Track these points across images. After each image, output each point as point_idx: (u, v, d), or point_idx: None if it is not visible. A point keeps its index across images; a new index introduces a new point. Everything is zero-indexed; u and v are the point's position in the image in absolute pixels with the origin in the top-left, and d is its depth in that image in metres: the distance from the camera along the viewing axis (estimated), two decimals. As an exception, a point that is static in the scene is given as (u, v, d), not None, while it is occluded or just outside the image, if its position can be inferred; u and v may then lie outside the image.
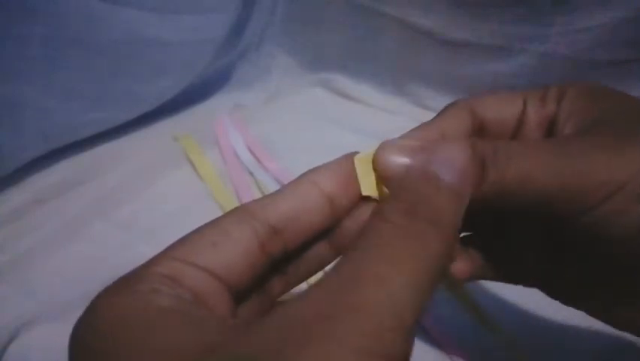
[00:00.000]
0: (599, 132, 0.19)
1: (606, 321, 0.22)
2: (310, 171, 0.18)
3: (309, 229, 0.18)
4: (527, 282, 0.24)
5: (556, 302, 0.23)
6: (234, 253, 0.16)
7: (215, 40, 0.47)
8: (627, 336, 0.28)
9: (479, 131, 0.23)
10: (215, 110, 0.51)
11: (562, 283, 0.23)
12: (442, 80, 0.50)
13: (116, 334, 0.14)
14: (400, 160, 0.18)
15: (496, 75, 0.47)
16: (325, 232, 0.19)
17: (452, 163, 0.16)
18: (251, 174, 0.44)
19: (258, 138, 0.47)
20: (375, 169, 0.19)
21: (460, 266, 0.22)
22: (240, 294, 0.17)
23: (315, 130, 0.49)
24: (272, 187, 0.42)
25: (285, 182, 0.42)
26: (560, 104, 0.21)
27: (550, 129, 0.22)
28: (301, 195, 0.18)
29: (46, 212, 0.40)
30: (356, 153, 0.19)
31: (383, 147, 0.19)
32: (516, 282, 0.24)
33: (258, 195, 0.42)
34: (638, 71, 0.42)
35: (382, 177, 0.18)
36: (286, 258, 0.18)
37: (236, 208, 0.17)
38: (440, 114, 0.22)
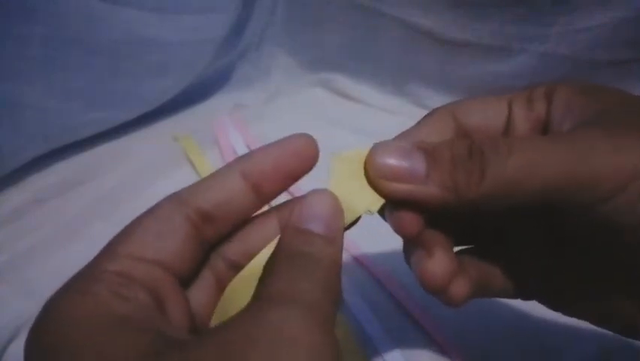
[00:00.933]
0: (603, 123, 0.18)
1: (606, 325, 0.22)
2: (239, 158, 0.19)
3: (236, 216, 0.18)
4: (526, 294, 0.23)
5: (547, 309, 0.23)
6: (177, 241, 0.17)
7: (215, 40, 0.47)
8: (616, 336, 0.28)
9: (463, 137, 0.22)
10: (215, 110, 0.51)
11: (562, 288, 0.22)
12: (442, 80, 0.50)
13: (68, 340, 0.14)
14: (395, 161, 0.18)
15: (496, 75, 0.47)
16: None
17: (320, 216, 0.18)
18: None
19: (258, 138, 0.47)
20: (367, 170, 0.19)
21: (457, 288, 0.21)
22: (186, 279, 0.18)
23: (315, 130, 0.49)
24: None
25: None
26: (550, 104, 0.21)
27: (543, 130, 0.21)
28: (229, 183, 0.18)
29: (46, 212, 0.40)
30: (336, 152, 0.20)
31: (378, 148, 0.19)
32: (515, 296, 0.24)
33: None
34: (638, 71, 0.41)
35: (374, 177, 0.19)
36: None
37: (168, 196, 0.18)
38: (422, 121, 0.22)
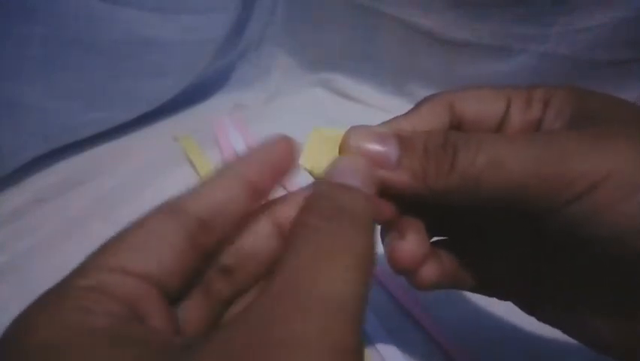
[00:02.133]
0: (581, 125, 0.18)
1: (577, 338, 0.21)
2: (232, 162, 0.18)
3: (235, 220, 0.18)
4: (503, 294, 0.23)
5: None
6: (163, 251, 0.15)
7: (215, 40, 0.47)
8: None
9: (457, 128, 0.22)
10: (215, 110, 0.51)
11: (536, 292, 0.22)
12: (442, 80, 0.50)
13: None
14: (368, 145, 0.19)
15: (496, 75, 0.47)
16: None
17: (357, 170, 0.18)
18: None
19: (258, 138, 0.47)
20: (341, 151, 0.19)
21: (427, 271, 0.21)
22: (177, 293, 0.17)
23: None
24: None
25: (285, 182, 0.42)
26: (546, 109, 0.20)
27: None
28: (225, 187, 0.17)
29: (46, 212, 0.40)
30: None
31: (354, 131, 0.19)
32: (491, 294, 0.23)
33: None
34: (638, 71, 0.41)
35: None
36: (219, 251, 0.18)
37: (160, 204, 0.17)
38: (417, 107, 0.22)
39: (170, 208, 0.16)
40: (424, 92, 0.52)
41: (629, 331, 0.19)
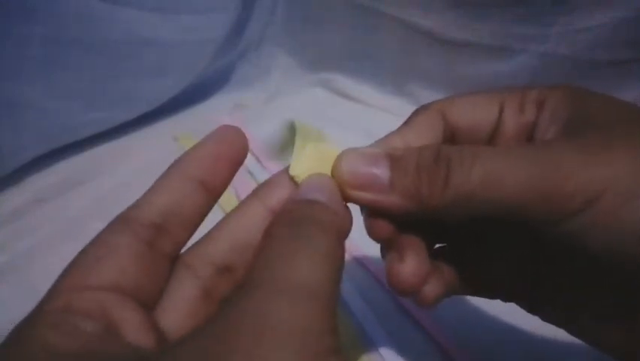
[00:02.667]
0: (578, 134, 0.17)
1: (586, 339, 0.21)
2: (176, 162, 0.19)
3: (191, 219, 0.18)
4: (504, 296, 0.23)
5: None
6: (122, 261, 0.16)
7: (215, 40, 0.47)
8: None
9: (451, 137, 0.21)
10: (215, 110, 0.51)
11: (542, 292, 0.22)
12: (442, 80, 0.50)
13: None
14: (360, 169, 0.19)
15: (496, 75, 0.47)
16: None
17: (322, 188, 0.18)
18: (251, 174, 0.44)
19: (258, 137, 0.47)
20: (334, 175, 0.19)
21: (430, 289, 0.21)
22: (152, 298, 0.17)
23: (315, 130, 0.49)
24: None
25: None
26: (540, 111, 0.20)
27: (529, 138, 0.20)
28: (174, 188, 0.18)
29: (46, 212, 0.40)
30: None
31: (345, 154, 0.19)
32: (494, 296, 0.23)
33: (252, 184, 0.41)
34: (638, 71, 0.41)
35: (340, 184, 0.19)
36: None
37: (114, 218, 0.17)
38: (410, 120, 0.22)
39: (122, 220, 0.17)
40: (424, 92, 0.53)
41: (630, 332, 0.19)
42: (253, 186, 0.43)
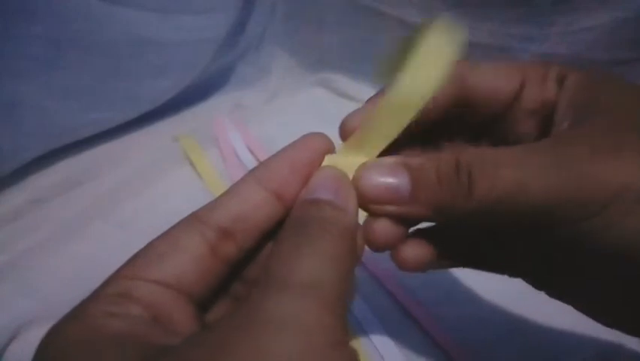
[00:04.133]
0: (596, 129, 0.17)
1: (594, 316, 0.21)
2: (254, 169, 0.19)
3: (259, 227, 0.18)
4: (512, 272, 0.23)
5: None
6: (183, 261, 0.17)
7: (215, 40, 0.47)
8: (614, 339, 0.28)
9: (464, 102, 0.21)
10: (215, 110, 0.51)
11: (549, 273, 0.21)
12: (442, 80, 0.50)
13: None
14: (381, 182, 0.19)
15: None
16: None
17: (326, 184, 0.18)
18: (251, 174, 0.44)
19: (258, 137, 0.47)
20: (357, 188, 0.19)
21: (411, 251, 0.21)
22: (205, 300, 0.18)
23: (316, 130, 0.49)
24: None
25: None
26: (561, 89, 0.20)
27: (547, 117, 0.20)
28: (246, 195, 0.18)
29: (46, 212, 0.40)
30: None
31: (364, 169, 0.19)
32: (499, 271, 0.23)
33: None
34: (638, 71, 0.41)
35: (361, 200, 0.19)
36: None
37: (187, 216, 0.18)
38: None
39: (192, 219, 0.17)
40: (424, 92, 0.52)
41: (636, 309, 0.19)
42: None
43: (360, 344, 0.31)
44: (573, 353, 0.30)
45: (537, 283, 0.22)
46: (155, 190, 0.42)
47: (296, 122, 0.50)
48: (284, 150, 0.19)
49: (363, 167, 0.19)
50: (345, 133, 0.21)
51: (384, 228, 0.19)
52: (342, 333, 0.14)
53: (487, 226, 0.19)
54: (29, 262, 0.36)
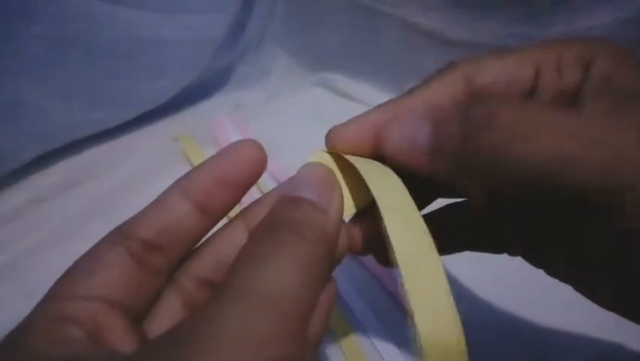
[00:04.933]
0: (632, 116, 0.15)
1: (594, 297, 0.20)
2: (178, 180, 0.18)
3: (185, 239, 0.17)
4: (513, 250, 0.21)
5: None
6: (111, 276, 0.16)
7: (215, 40, 0.47)
8: (614, 339, 0.28)
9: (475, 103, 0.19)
10: (215, 110, 0.51)
11: (554, 255, 0.20)
12: (442, 80, 0.50)
13: None
14: (406, 132, 0.17)
15: (496, 75, 0.47)
16: None
17: (310, 182, 0.17)
18: (251, 174, 0.44)
19: (258, 137, 0.47)
20: (384, 150, 0.18)
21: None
22: (141, 312, 0.17)
23: (316, 130, 0.49)
24: (271, 187, 0.42)
25: (285, 182, 0.42)
26: (588, 74, 0.17)
27: (572, 103, 0.18)
28: (169, 207, 0.17)
29: (46, 212, 0.40)
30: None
31: (390, 123, 0.18)
32: (500, 251, 0.22)
33: (257, 194, 0.41)
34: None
35: (388, 155, 0.18)
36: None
37: (110, 231, 0.17)
38: (428, 81, 0.20)
39: (116, 233, 0.17)
40: (424, 92, 0.52)
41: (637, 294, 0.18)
42: (253, 186, 0.43)
43: (360, 344, 0.31)
44: (573, 353, 0.30)
45: (537, 261, 0.21)
46: (155, 190, 0.41)
47: (296, 122, 0.50)
48: (211, 158, 0.18)
49: (388, 123, 0.18)
50: (330, 144, 0.20)
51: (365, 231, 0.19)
52: (296, 348, 0.14)
53: (512, 199, 0.17)
54: (29, 262, 0.36)
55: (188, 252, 0.18)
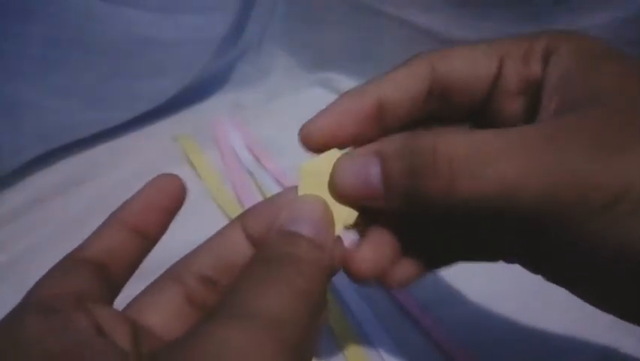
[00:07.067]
0: (595, 119, 0.15)
1: (590, 301, 0.20)
2: (116, 210, 0.19)
3: (129, 261, 0.19)
4: (507, 259, 0.21)
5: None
6: (79, 281, 0.17)
7: (215, 40, 0.47)
8: (614, 340, 0.28)
9: (440, 94, 0.20)
10: (215, 110, 0.51)
11: (548, 266, 0.20)
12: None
13: None
14: (355, 171, 0.18)
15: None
16: None
17: (308, 218, 0.17)
18: (251, 174, 0.44)
19: (258, 138, 0.47)
20: (330, 183, 0.19)
21: (400, 272, 0.20)
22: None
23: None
24: (271, 187, 0.42)
25: (285, 182, 0.42)
26: (547, 66, 0.18)
27: (532, 96, 0.18)
28: (110, 235, 0.19)
29: (46, 212, 0.40)
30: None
31: (339, 162, 0.19)
32: (493, 260, 0.22)
33: (257, 195, 0.42)
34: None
35: (340, 194, 0.18)
36: None
37: (64, 257, 0.19)
38: (395, 71, 0.20)
39: (69, 259, 0.19)
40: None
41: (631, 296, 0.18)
42: (253, 186, 0.43)
43: (360, 344, 0.31)
44: (573, 355, 0.30)
45: (533, 268, 0.21)
46: (155, 190, 0.42)
47: (296, 123, 0.50)
48: (139, 192, 0.20)
49: (338, 163, 0.19)
50: (305, 139, 0.21)
51: (370, 257, 0.19)
52: None
53: (472, 222, 0.17)
54: (29, 262, 0.36)
55: (132, 273, 0.19)
